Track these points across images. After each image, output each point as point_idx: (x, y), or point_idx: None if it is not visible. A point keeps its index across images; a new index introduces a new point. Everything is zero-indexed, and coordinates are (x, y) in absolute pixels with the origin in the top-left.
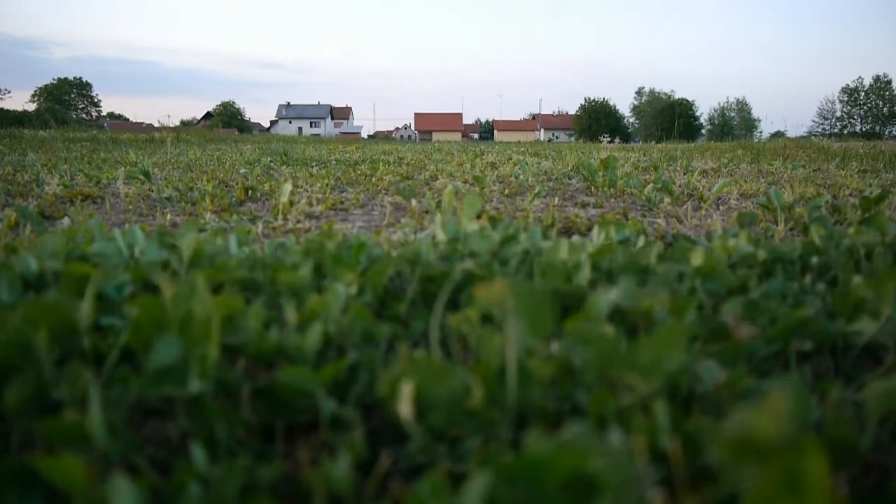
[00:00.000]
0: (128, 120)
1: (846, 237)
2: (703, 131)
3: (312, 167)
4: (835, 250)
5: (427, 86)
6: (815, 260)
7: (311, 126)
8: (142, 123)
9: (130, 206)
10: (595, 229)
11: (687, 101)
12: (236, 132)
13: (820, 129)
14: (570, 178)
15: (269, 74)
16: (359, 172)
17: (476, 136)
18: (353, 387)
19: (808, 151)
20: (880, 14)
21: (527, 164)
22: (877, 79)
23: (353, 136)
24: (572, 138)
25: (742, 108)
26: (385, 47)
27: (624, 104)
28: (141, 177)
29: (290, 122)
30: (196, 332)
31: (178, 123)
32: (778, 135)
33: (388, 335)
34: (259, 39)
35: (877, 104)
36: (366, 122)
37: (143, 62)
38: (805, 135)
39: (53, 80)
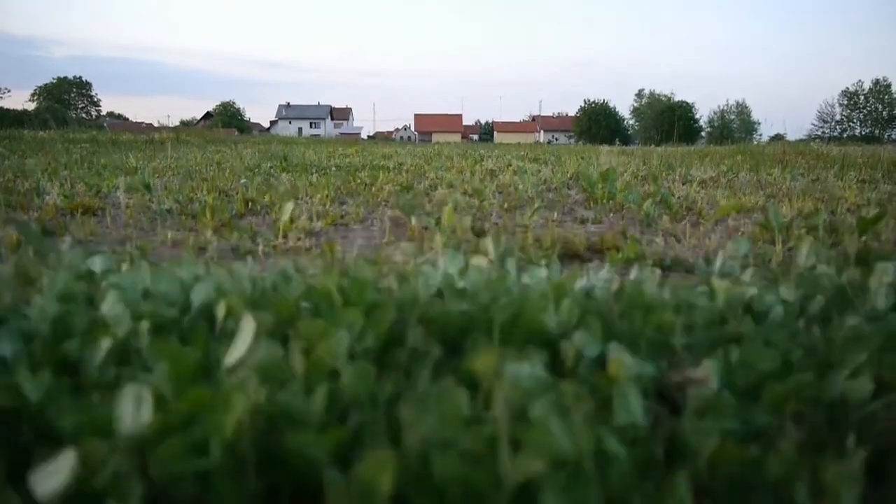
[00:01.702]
0: (127, 119)
1: (843, 273)
2: (703, 134)
3: (312, 174)
4: (829, 292)
5: (427, 86)
6: (812, 304)
7: (310, 126)
8: (141, 123)
9: (131, 220)
10: (606, 267)
11: (687, 103)
12: (236, 132)
13: (819, 133)
14: (569, 189)
15: (269, 74)
16: (358, 181)
17: (476, 137)
18: (357, 450)
19: (808, 158)
20: (880, 16)
21: (526, 171)
22: (876, 82)
23: (353, 137)
24: (572, 140)
25: (742, 110)
26: (385, 47)
27: (624, 106)
28: (141, 188)
29: (290, 123)
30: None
31: (177, 123)
32: (777, 138)
33: (389, 394)
34: (259, 39)
35: (876, 108)
36: (366, 122)
37: (143, 61)
38: (804, 138)
39: (53, 79)
